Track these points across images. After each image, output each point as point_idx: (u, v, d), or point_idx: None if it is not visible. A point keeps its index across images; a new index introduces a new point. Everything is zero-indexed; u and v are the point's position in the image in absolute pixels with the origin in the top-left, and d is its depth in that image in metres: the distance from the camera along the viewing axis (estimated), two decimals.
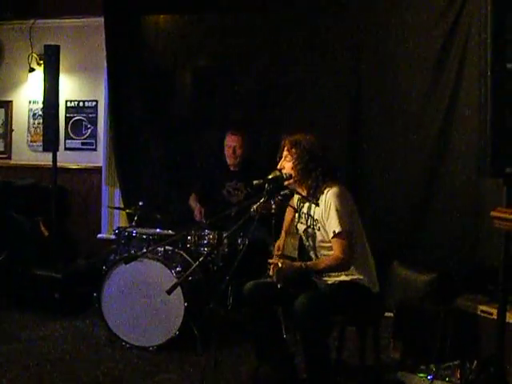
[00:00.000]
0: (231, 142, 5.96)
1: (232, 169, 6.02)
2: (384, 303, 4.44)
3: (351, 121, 6.23)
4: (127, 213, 6.47)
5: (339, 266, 3.97)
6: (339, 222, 3.90)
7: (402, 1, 5.97)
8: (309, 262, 4.08)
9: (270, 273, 3.89)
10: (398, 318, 4.97)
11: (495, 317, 4.08)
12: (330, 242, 3.99)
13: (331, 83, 6.22)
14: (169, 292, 3.86)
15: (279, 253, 4.36)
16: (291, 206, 4.46)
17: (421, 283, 5.54)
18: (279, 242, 4.48)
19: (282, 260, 3.90)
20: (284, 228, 4.57)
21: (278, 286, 3.91)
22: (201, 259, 4.01)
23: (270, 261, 3.94)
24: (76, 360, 4.85)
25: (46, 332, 5.53)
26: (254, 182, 4.15)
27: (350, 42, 6.20)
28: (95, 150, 7.47)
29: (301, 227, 4.26)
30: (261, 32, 6.51)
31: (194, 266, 3.99)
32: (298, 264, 3.99)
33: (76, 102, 7.50)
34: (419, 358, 4.68)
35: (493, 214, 3.59)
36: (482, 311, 4.33)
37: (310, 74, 6.30)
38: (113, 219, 7.38)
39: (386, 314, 4.63)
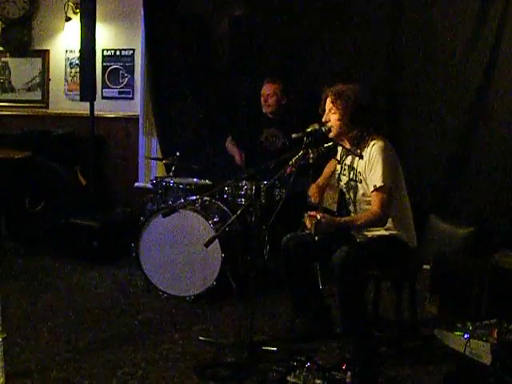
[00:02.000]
0: (265, 89, 5.93)
1: (270, 116, 5.98)
2: (421, 258, 4.41)
3: (389, 74, 6.11)
4: (164, 163, 6.45)
5: (377, 222, 3.94)
6: (381, 176, 3.86)
7: None
8: (347, 218, 4.07)
9: (308, 225, 3.86)
10: (435, 273, 4.96)
11: None
12: (370, 195, 3.95)
13: (369, 35, 6.08)
14: (206, 245, 3.90)
15: (313, 200, 4.34)
16: (335, 159, 4.40)
17: (458, 237, 5.51)
18: (314, 188, 4.44)
19: (320, 213, 3.86)
20: (322, 176, 4.53)
21: (316, 239, 3.89)
22: (238, 212, 4.02)
23: (309, 213, 3.90)
24: (113, 309, 4.91)
25: (85, 281, 5.62)
26: (293, 135, 4.08)
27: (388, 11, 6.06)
28: (132, 99, 7.45)
29: (343, 179, 4.22)
30: None
31: (232, 218, 4.03)
32: (336, 218, 3.97)
33: (113, 51, 7.45)
34: (456, 313, 4.69)
35: None
36: None
37: (348, 26, 6.17)
38: (150, 168, 7.39)
39: (424, 266, 4.64)
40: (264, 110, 5.93)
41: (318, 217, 3.79)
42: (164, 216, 4.06)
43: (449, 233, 5.58)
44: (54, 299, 5.12)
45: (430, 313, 4.88)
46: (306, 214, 3.90)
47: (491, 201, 5.68)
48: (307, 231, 3.93)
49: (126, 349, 4.16)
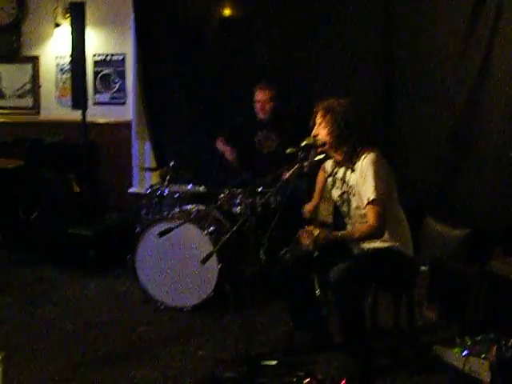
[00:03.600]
0: (259, 96, 5.90)
1: (263, 119, 5.97)
2: (418, 267, 4.42)
3: (384, 78, 6.10)
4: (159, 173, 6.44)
5: (374, 235, 3.94)
6: (374, 188, 3.86)
7: None
8: (344, 232, 4.06)
9: (306, 242, 3.86)
10: (432, 279, 4.96)
11: None
12: (364, 208, 3.95)
13: (363, 38, 6.07)
14: (203, 261, 3.88)
15: (309, 215, 4.35)
16: (323, 170, 4.41)
17: (454, 238, 5.51)
18: (310, 206, 4.46)
19: (317, 229, 3.86)
20: (316, 192, 4.55)
21: (314, 255, 3.90)
22: (234, 228, 4.02)
23: (306, 229, 3.90)
24: (111, 323, 4.91)
25: (81, 292, 5.61)
26: (288, 150, 4.09)
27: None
28: (124, 104, 7.42)
29: (336, 193, 4.23)
30: None
31: (228, 235, 4.00)
32: (334, 233, 3.97)
33: (103, 56, 7.42)
34: (454, 319, 4.70)
35: None
36: None
37: (341, 34, 6.14)
38: (144, 173, 7.37)
39: (421, 268, 4.67)
40: (259, 116, 5.91)
41: (316, 233, 3.79)
42: (160, 236, 4.05)
43: (445, 234, 5.58)
44: (50, 312, 5.12)
45: (429, 318, 4.89)
46: (301, 230, 3.90)
47: (487, 202, 5.67)
48: (305, 248, 3.91)
49: (125, 366, 4.16)
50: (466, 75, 5.67)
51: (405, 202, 4.25)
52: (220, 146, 6.11)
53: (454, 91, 5.75)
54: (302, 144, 4.04)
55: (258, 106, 5.90)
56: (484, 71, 5.55)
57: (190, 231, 5.05)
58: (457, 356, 3.61)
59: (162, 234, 4.04)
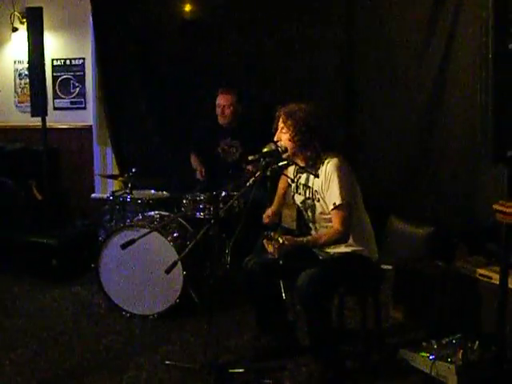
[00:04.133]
0: (220, 100, 5.88)
1: (226, 126, 5.94)
2: (383, 270, 4.45)
3: (345, 81, 6.13)
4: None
5: (339, 239, 3.94)
6: (339, 193, 3.86)
7: None
8: (309, 237, 4.04)
9: (270, 249, 3.84)
10: (398, 279, 4.98)
11: (495, 281, 4.09)
12: (329, 213, 3.95)
13: (323, 42, 6.09)
14: (168, 271, 3.84)
15: (267, 220, 4.33)
16: (285, 175, 4.39)
17: (418, 237, 5.58)
18: (269, 211, 4.43)
19: (282, 236, 3.84)
20: (277, 197, 4.54)
21: (280, 263, 3.90)
22: (198, 237, 4.00)
23: (270, 236, 3.87)
24: (77, 333, 4.83)
25: (46, 302, 5.51)
26: (249, 157, 4.06)
27: (342, 2, 6.04)
28: (84, 108, 7.38)
29: (298, 198, 4.22)
30: None
31: (192, 243, 3.98)
32: (299, 240, 3.95)
33: (62, 61, 7.36)
34: (420, 320, 4.72)
35: (495, 207, 3.58)
36: (481, 275, 4.30)
37: (302, 33, 6.15)
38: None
39: (385, 266, 4.72)
40: (220, 121, 5.89)
41: (281, 240, 3.77)
42: (123, 248, 4.00)
43: (409, 233, 5.65)
44: (14, 325, 5.01)
45: (396, 319, 4.91)
46: (266, 238, 3.87)
47: (449, 201, 5.72)
48: (270, 255, 3.89)
49: (92, 378, 4.10)
50: (428, 75, 5.71)
51: (369, 201, 4.26)
52: (193, 161, 6.09)
53: (416, 91, 5.79)
54: (264, 150, 4.02)
55: (218, 110, 5.88)
56: (445, 69, 5.61)
57: (154, 239, 4.99)
58: (423, 360, 3.64)
59: (124, 246, 3.99)
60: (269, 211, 4.41)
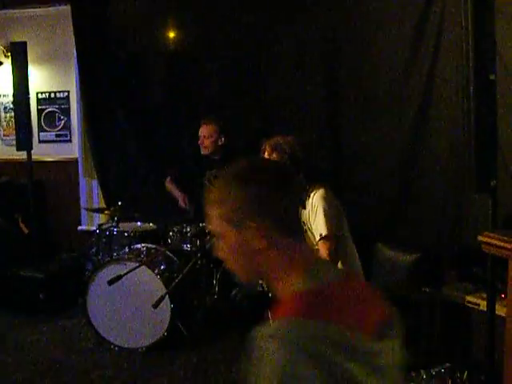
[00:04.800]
0: (201, 131, 5.85)
1: (212, 157, 5.94)
2: None
3: (329, 105, 6.14)
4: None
5: None
6: (326, 225, 3.89)
7: None
8: None
9: (259, 282, 3.84)
10: None
11: (482, 308, 4.10)
12: (317, 244, 3.96)
13: (307, 68, 6.11)
14: (155, 306, 3.84)
15: None
16: None
17: (405, 264, 5.54)
18: None
19: None
20: None
21: (270, 295, 3.89)
22: (185, 271, 4.00)
23: None
24: (65, 368, 4.82)
25: (33, 337, 5.48)
26: None
27: (325, 25, 6.08)
28: (70, 141, 7.37)
29: None
30: (231, 16, 6.35)
31: (180, 277, 3.97)
32: None
33: (47, 94, 7.36)
34: (408, 348, 4.70)
35: (480, 238, 3.60)
36: (469, 302, 4.31)
37: (283, 61, 6.19)
38: None
39: None
40: (202, 152, 5.88)
41: None
42: (110, 284, 4.00)
43: (396, 260, 5.61)
44: (3, 362, 4.97)
45: None
46: None
47: (436, 227, 5.72)
48: (259, 288, 3.89)
49: None
50: (412, 100, 5.73)
51: (355, 229, 4.28)
52: (169, 188, 6.08)
53: (400, 116, 5.81)
54: None
55: (200, 141, 5.86)
56: (429, 97, 5.62)
57: (141, 273, 4.98)
58: None
59: (111, 282, 4.00)
60: None
